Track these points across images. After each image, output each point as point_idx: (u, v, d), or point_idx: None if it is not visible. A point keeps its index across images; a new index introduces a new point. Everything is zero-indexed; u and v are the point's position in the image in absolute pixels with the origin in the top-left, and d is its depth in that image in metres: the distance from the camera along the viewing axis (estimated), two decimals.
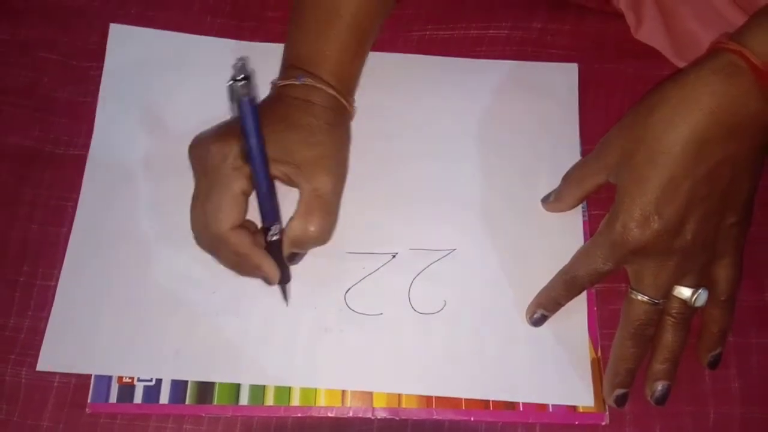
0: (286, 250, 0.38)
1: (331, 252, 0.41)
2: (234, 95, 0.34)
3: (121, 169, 0.43)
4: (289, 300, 0.40)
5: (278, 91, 0.39)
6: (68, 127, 0.44)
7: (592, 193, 0.40)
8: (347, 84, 0.41)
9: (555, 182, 0.41)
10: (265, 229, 0.37)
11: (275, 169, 0.37)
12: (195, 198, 0.38)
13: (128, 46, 0.46)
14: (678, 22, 0.44)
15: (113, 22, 0.46)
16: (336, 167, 0.38)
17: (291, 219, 0.37)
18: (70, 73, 0.45)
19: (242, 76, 0.33)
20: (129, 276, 0.40)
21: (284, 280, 0.39)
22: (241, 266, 0.38)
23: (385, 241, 0.41)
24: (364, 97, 0.43)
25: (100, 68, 0.45)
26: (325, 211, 0.37)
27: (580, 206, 0.42)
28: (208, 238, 0.37)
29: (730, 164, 0.35)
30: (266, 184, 0.36)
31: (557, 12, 0.46)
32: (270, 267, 0.37)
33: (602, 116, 0.44)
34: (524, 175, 0.43)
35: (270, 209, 0.37)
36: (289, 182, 0.38)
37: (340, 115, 0.40)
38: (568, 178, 0.40)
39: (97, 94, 0.44)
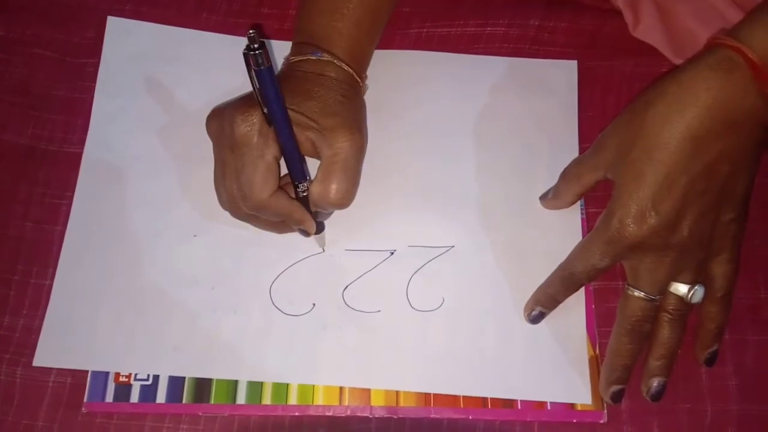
0: (311, 208, 0.39)
1: (329, 249, 0.41)
2: (251, 64, 0.34)
3: (118, 164, 0.42)
4: (325, 247, 0.41)
5: (291, 67, 0.39)
6: (63, 125, 0.44)
7: (590, 189, 0.40)
8: (360, 62, 0.41)
9: (553, 180, 0.41)
10: (295, 185, 0.38)
11: (300, 134, 0.37)
12: (222, 170, 0.38)
13: (126, 40, 0.45)
14: (676, 20, 0.44)
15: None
16: (356, 133, 0.38)
17: (311, 182, 0.38)
18: (65, 70, 0.45)
19: (257, 45, 0.33)
20: (127, 272, 0.40)
21: (319, 229, 0.40)
22: (282, 225, 0.39)
23: (383, 237, 0.41)
24: None
25: (96, 65, 0.45)
26: (343, 175, 0.37)
27: (578, 204, 0.42)
28: (247, 208, 0.37)
29: (727, 160, 0.35)
30: (292, 145, 0.36)
31: (554, 9, 0.46)
32: (310, 221, 0.39)
33: (599, 114, 0.44)
34: (523, 173, 0.43)
35: (298, 168, 0.37)
36: (312, 150, 0.38)
37: (354, 88, 0.40)
38: (565, 175, 0.40)
39: (93, 90, 0.44)
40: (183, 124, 0.43)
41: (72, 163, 0.43)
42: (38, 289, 0.40)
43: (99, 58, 0.45)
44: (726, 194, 0.36)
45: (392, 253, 0.41)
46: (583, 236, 0.41)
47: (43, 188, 0.42)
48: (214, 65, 0.45)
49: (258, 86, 0.34)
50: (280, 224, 0.39)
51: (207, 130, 0.39)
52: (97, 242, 0.41)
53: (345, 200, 0.38)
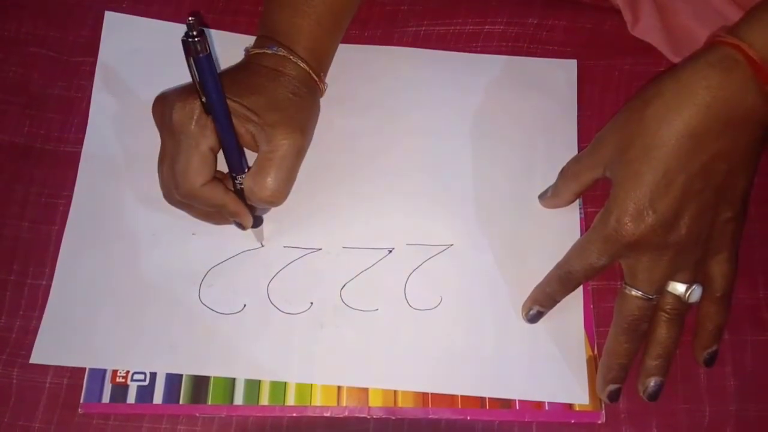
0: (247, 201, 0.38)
1: (326, 247, 0.41)
2: (189, 52, 0.34)
3: (116, 162, 0.42)
4: (264, 241, 0.41)
5: (249, 59, 0.40)
6: (60, 124, 0.44)
7: (589, 188, 0.40)
8: (320, 61, 0.41)
9: (552, 179, 0.41)
10: (232, 177, 0.38)
11: (240, 126, 0.37)
12: (162, 157, 0.38)
13: (123, 36, 0.45)
14: (675, 19, 0.44)
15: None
16: (296, 132, 0.37)
17: (245, 175, 0.38)
18: (61, 69, 0.45)
19: (195, 32, 0.33)
20: (125, 270, 0.40)
21: (256, 223, 0.40)
22: (216, 216, 0.39)
23: (381, 235, 0.41)
24: (359, 91, 0.44)
25: (92, 63, 0.45)
26: (277, 172, 0.37)
27: (577, 203, 0.42)
28: (179, 195, 0.37)
29: (726, 159, 0.35)
30: (230, 135, 0.36)
31: (553, 7, 0.46)
32: (245, 214, 0.38)
33: (598, 112, 0.44)
34: (522, 171, 0.42)
35: (236, 160, 0.37)
36: (253, 143, 0.38)
37: (308, 88, 0.40)
38: (564, 173, 0.40)
39: (89, 89, 0.44)
40: None
41: (68, 162, 0.43)
42: (35, 290, 0.40)
43: (95, 56, 0.45)
44: (725, 193, 0.36)
45: (390, 251, 0.41)
46: (581, 235, 0.41)
47: (40, 188, 0.42)
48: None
49: (196, 74, 0.34)
50: (214, 214, 0.39)
51: (152, 114, 0.38)
52: (96, 240, 0.41)
53: (275, 198, 0.37)
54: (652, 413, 0.38)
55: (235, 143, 0.37)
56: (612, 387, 0.37)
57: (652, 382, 0.37)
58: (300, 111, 0.38)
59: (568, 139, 0.43)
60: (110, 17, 0.45)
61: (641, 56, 0.45)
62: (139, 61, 0.45)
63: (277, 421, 0.38)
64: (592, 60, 0.45)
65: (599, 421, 0.38)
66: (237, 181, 0.38)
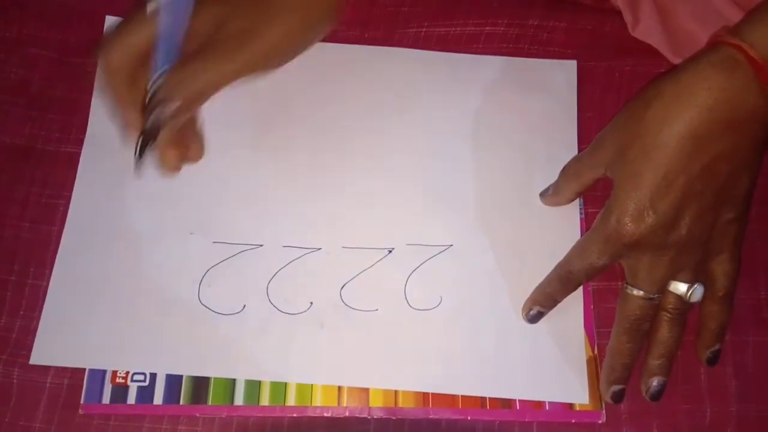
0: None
1: (326, 246, 0.41)
2: None
3: (115, 163, 0.42)
4: (139, 169, 0.36)
5: None
6: (61, 125, 0.44)
7: (590, 187, 0.40)
8: None
9: (552, 180, 0.41)
10: (153, 70, 0.34)
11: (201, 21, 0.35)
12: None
13: None
14: (675, 21, 0.44)
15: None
16: (249, 47, 0.35)
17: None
18: (63, 70, 0.45)
19: None
20: (124, 270, 0.40)
21: (146, 140, 0.34)
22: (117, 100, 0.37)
23: (381, 235, 0.41)
24: (359, 91, 0.43)
25: (93, 65, 0.45)
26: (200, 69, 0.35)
27: (577, 203, 0.42)
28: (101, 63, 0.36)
29: (727, 160, 0.35)
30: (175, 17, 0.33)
31: (553, 9, 0.46)
32: (132, 114, 0.36)
33: (598, 114, 0.44)
34: (521, 172, 0.42)
35: (164, 48, 0.33)
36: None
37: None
38: (565, 172, 0.40)
39: (91, 91, 0.44)
40: None
41: (69, 163, 0.43)
42: (35, 290, 0.40)
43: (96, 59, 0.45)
44: (726, 194, 0.36)
45: (390, 251, 0.41)
46: (582, 236, 0.41)
47: (40, 188, 0.42)
48: None
49: None
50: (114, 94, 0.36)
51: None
52: (95, 240, 0.41)
53: (172, 94, 0.34)
54: (653, 413, 0.38)
55: (177, 33, 0.34)
56: (616, 388, 0.37)
57: (655, 382, 0.37)
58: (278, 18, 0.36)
59: (568, 139, 0.43)
60: (111, 21, 0.46)
61: (642, 57, 0.45)
62: None
63: (277, 421, 0.38)
64: (593, 61, 0.45)
65: (600, 421, 0.38)
66: (153, 77, 0.34)
